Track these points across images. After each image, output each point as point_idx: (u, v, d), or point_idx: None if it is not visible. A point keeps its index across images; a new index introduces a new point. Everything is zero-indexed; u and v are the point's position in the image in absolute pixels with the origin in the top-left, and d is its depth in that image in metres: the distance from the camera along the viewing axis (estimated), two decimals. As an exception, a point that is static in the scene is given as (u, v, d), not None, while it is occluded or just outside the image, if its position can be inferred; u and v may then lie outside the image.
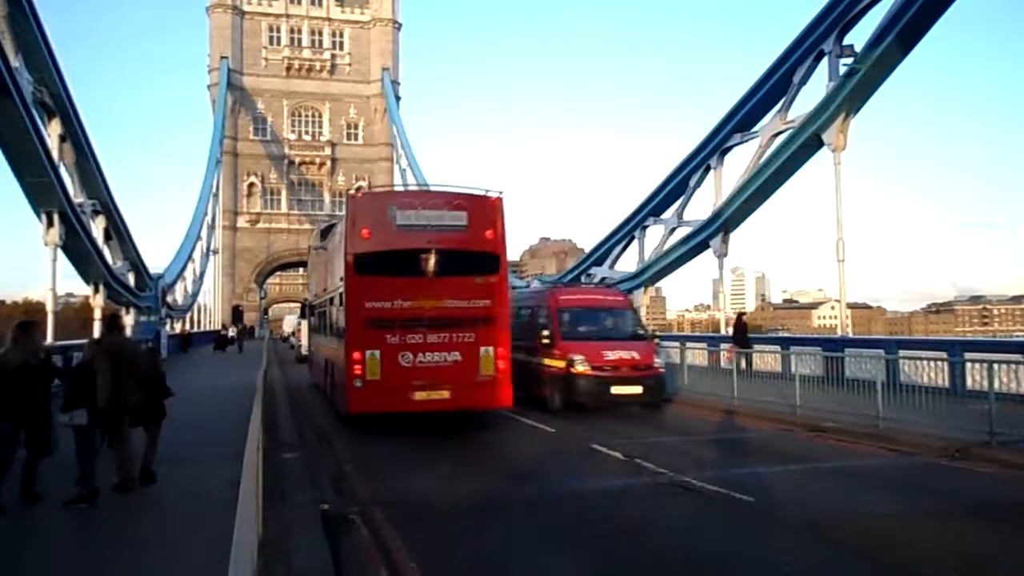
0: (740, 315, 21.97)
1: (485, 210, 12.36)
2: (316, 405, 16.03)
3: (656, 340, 16.73)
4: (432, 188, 15.81)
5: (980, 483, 8.68)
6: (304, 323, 25.29)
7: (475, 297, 12.03)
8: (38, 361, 7.06)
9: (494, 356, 12.04)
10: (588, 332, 14.89)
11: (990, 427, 9.96)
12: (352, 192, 17.87)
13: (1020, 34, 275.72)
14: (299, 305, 44.40)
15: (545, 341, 14.50)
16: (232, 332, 45.34)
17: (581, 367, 13.71)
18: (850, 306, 28.38)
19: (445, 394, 11.67)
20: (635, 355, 14.12)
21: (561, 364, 14.03)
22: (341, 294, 12.59)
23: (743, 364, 16.93)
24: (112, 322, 8.47)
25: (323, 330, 16.34)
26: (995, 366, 10.76)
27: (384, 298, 11.83)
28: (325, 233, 17.20)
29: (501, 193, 12.53)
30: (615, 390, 13.69)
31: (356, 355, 11.70)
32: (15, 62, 20.00)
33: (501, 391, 12.15)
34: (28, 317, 9.65)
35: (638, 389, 13.81)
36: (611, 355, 13.86)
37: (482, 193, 12.39)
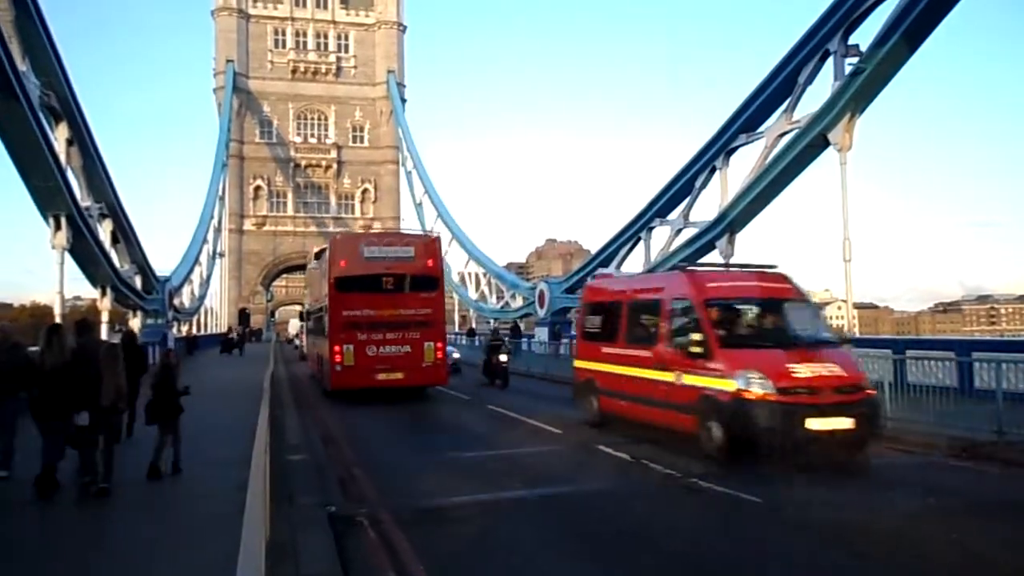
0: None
1: (427, 246, 17.56)
2: (310, 388, 21.28)
3: (851, 346, 12.55)
4: (390, 231, 27.86)
5: (988, 482, 8.65)
6: (303, 325, 31.39)
7: (420, 307, 16.85)
8: (69, 361, 7.56)
9: (434, 349, 16.86)
10: (754, 336, 10.54)
11: (998, 426, 9.93)
12: (334, 236, 22.32)
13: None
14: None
15: (695, 350, 10.05)
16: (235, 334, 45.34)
17: (759, 389, 9.22)
18: (857, 306, 28.30)
19: (399, 375, 16.52)
20: (838, 370, 9.59)
21: (724, 385, 9.54)
22: (326, 305, 17.55)
23: None
24: (82, 325, 8.49)
25: (315, 331, 22.02)
26: (1003, 365, 10.72)
27: (356, 308, 16.75)
28: (318, 256, 21.21)
29: (438, 234, 20.87)
30: (813, 424, 8.91)
31: (336, 348, 16.70)
32: (22, 66, 20.11)
33: (439, 373, 17.34)
34: (56, 322, 10.90)
35: (847, 422, 9.09)
36: (803, 371, 9.40)
37: (425, 233, 18.63)
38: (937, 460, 9.61)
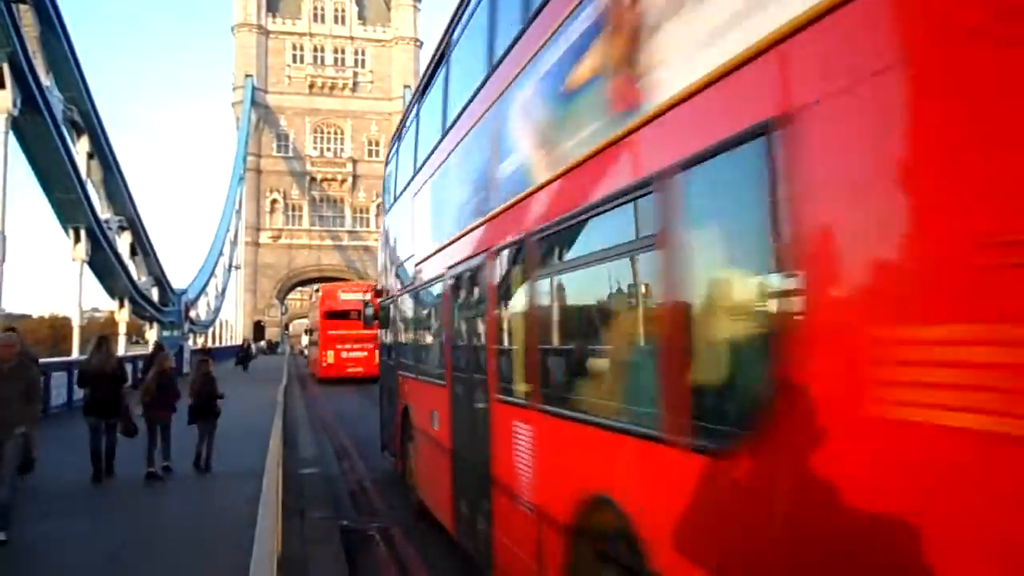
0: None
1: (377, 292, 21.78)
2: (308, 375, 33.94)
3: None
4: (356, 284, 32.91)
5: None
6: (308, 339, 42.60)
7: (372, 329, 19.88)
8: (114, 366, 8.95)
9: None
10: None
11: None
12: (322, 286, 34.35)
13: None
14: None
15: None
16: (253, 347, 45.81)
17: None
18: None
19: (360, 369, 23.47)
20: None
21: None
22: (318, 327, 30.35)
23: None
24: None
25: (312, 343, 35.84)
26: None
27: (336, 329, 27.86)
28: (312, 297, 30.72)
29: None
30: None
31: (324, 352, 28.80)
32: (46, 81, 20.48)
33: None
34: (104, 332, 12.33)
35: None
36: None
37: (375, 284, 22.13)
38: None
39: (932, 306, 1.65)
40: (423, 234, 7.37)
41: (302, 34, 70.28)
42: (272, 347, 65.22)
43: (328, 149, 70.65)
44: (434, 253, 6.73)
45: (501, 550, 4.71)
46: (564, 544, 3.58)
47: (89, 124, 24.56)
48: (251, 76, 66.44)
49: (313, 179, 69.53)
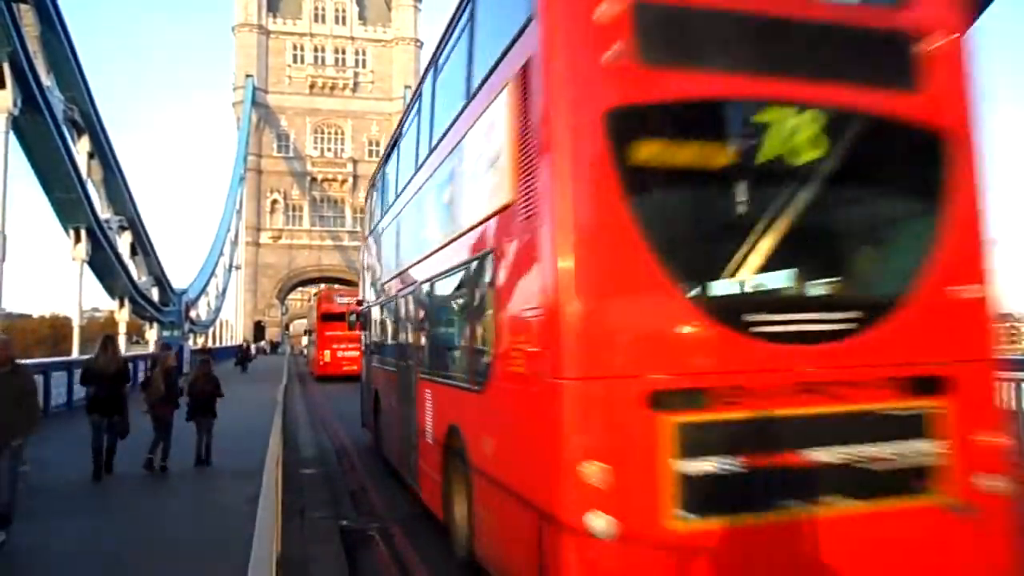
0: None
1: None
2: (306, 373, 35.08)
3: None
4: (349, 290, 33.09)
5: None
6: (307, 339, 44.97)
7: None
8: (119, 366, 9.19)
9: None
10: None
11: (1019, 447, 9.75)
12: (320, 290, 40.25)
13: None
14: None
15: None
16: (252, 347, 45.96)
17: None
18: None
19: (356, 367, 18.40)
20: None
21: None
22: (316, 328, 32.03)
23: None
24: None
25: (311, 343, 37.96)
26: (1024, 385, 10.51)
27: (331, 330, 28.47)
28: (312, 298, 37.78)
29: None
30: None
31: (321, 352, 30.37)
32: (47, 81, 20.48)
33: None
34: (109, 332, 12.69)
35: None
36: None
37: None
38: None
39: (527, 334, 4.34)
40: (382, 265, 10.56)
41: (303, 34, 70.35)
42: (273, 347, 65.38)
43: (328, 149, 70.73)
44: (387, 280, 9.95)
45: (419, 471, 7.58)
46: (440, 453, 6.41)
47: (89, 124, 24.58)
48: (252, 76, 66.50)
49: (314, 179, 69.60)
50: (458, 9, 5.99)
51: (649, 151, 4.02)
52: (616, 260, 3.85)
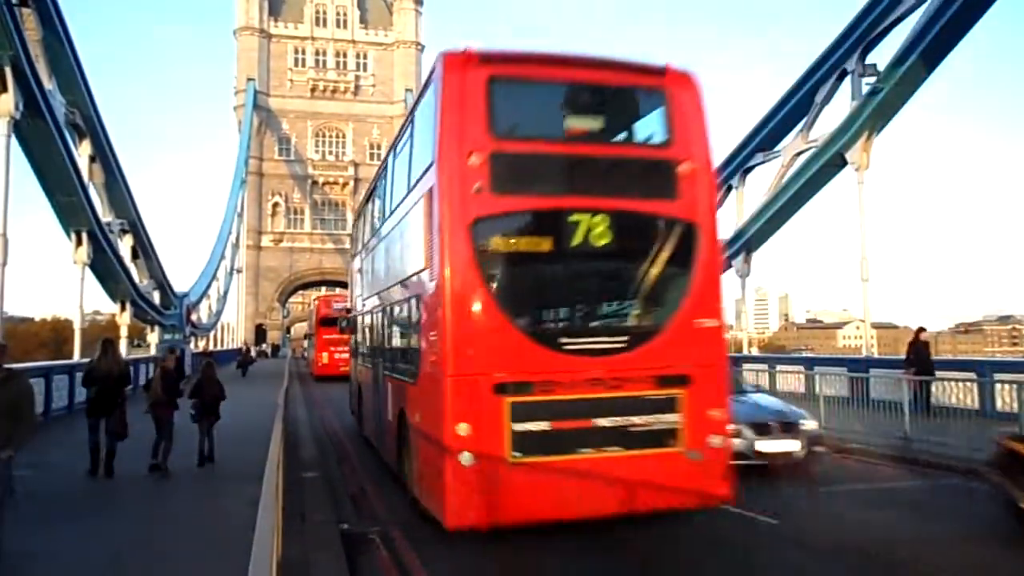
0: (919, 330, 14.98)
1: None
2: (306, 373, 36.36)
3: None
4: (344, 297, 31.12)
5: (1009, 506, 8.45)
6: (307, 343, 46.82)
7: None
8: (121, 369, 9.52)
9: None
10: None
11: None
12: (318, 297, 42.63)
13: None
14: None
15: None
16: (253, 351, 46.03)
17: None
18: (875, 326, 28.02)
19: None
20: None
21: None
22: (315, 332, 33.43)
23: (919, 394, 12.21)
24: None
25: (310, 346, 38.95)
26: (1026, 388, 10.52)
27: (329, 334, 28.84)
28: (312, 303, 40.60)
29: None
30: None
31: (320, 353, 31.95)
32: (49, 84, 20.51)
33: None
34: (109, 335, 13.01)
35: None
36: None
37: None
38: (958, 483, 9.44)
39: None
40: (362, 284, 13.24)
41: (304, 38, 70.41)
42: (274, 350, 65.35)
43: (330, 152, 70.74)
44: (365, 297, 12.65)
45: (384, 441, 10.06)
46: (396, 430, 8.78)
47: (91, 127, 24.60)
48: (253, 80, 66.55)
49: (315, 182, 69.61)
50: (404, 123, 9.14)
51: (495, 243, 6.75)
52: (475, 307, 6.51)
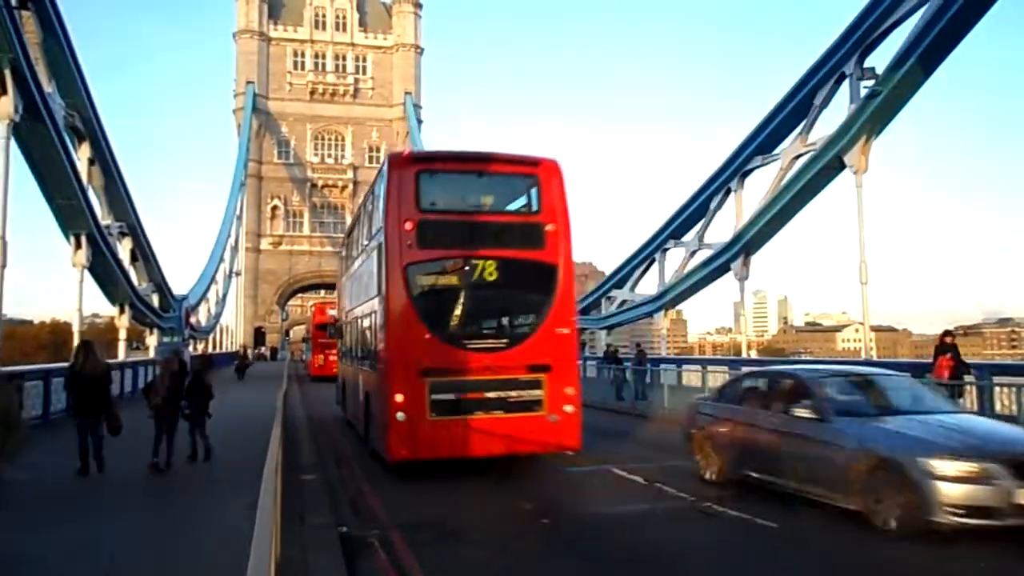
0: (946, 333, 13.71)
1: None
2: (304, 375, 38.32)
3: None
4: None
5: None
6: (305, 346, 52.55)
7: None
8: (102, 370, 9.70)
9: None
10: None
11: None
12: (315, 303, 45.22)
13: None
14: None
15: None
16: (250, 353, 46.22)
17: None
18: (875, 328, 28.02)
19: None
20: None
21: None
22: (311, 336, 38.29)
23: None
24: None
25: (307, 349, 44.72)
26: (1025, 391, 10.53)
27: (323, 338, 31.12)
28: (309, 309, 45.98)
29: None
30: None
31: (316, 356, 34.75)
32: (48, 88, 20.52)
33: None
34: (87, 338, 12.93)
35: None
36: None
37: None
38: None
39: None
40: (344, 299, 16.70)
41: (303, 41, 70.52)
42: (273, 353, 65.36)
43: (329, 155, 70.80)
44: (347, 309, 15.73)
45: (358, 418, 12.95)
46: (365, 409, 11.99)
47: (91, 130, 24.62)
48: (252, 83, 66.64)
49: (314, 185, 69.66)
50: (368, 192, 13.29)
51: (421, 280, 10.08)
52: (406, 321, 9.76)
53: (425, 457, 9.57)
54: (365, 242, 12.43)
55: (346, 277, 16.09)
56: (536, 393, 9.84)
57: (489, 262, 9.99)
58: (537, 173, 10.46)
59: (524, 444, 9.83)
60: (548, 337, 9.99)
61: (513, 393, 9.74)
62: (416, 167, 10.40)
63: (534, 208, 10.54)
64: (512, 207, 11.12)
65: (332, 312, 32.36)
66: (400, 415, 9.40)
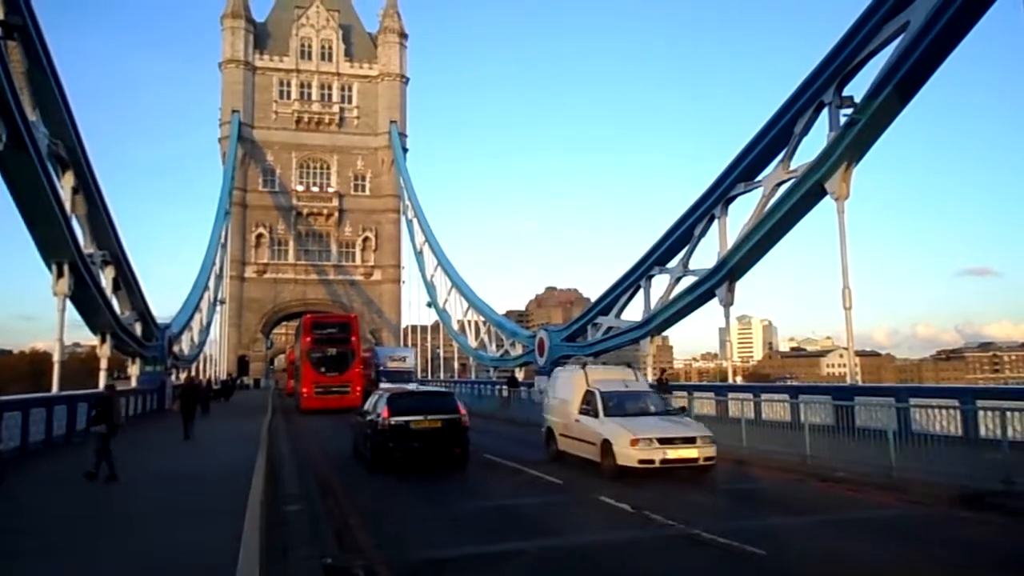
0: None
1: (351, 327, 38.73)
2: (292, 405, 40.56)
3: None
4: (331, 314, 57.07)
5: (994, 533, 8.49)
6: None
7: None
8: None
9: (353, 386, 35.59)
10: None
11: (1005, 475, 9.80)
12: (304, 316, 46.75)
13: (1018, 83, 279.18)
14: None
15: None
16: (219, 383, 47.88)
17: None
18: (859, 354, 28.11)
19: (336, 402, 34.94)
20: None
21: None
22: (302, 352, 38.33)
23: None
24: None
25: (297, 371, 43.70)
26: (1008, 413, 10.63)
27: (321, 353, 37.46)
28: (296, 336, 46.79)
29: (355, 315, 48.95)
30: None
31: (290, 380, 51.24)
32: (32, 116, 20.44)
33: (358, 399, 30.89)
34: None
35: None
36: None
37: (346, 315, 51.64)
38: (944, 511, 9.46)
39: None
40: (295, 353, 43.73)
41: (289, 70, 70.93)
42: (255, 383, 64.49)
43: (314, 183, 70.87)
44: (293, 359, 50.25)
45: (293, 397, 41.86)
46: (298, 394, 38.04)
47: (75, 159, 24.45)
48: (238, 111, 66.82)
49: (299, 213, 69.62)
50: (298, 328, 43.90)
51: (312, 350, 35.99)
52: (304, 367, 35.91)
53: (312, 409, 32.77)
54: (295, 343, 32.14)
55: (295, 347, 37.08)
56: (348, 388, 33.83)
57: (333, 349, 35.71)
58: (351, 321, 37.88)
59: (343, 405, 28.90)
60: (355, 372, 35.41)
61: (342, 388, 33.99)
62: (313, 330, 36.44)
63: (351, 338, 36.40)
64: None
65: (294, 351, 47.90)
66: (305, 393, 34.45)
